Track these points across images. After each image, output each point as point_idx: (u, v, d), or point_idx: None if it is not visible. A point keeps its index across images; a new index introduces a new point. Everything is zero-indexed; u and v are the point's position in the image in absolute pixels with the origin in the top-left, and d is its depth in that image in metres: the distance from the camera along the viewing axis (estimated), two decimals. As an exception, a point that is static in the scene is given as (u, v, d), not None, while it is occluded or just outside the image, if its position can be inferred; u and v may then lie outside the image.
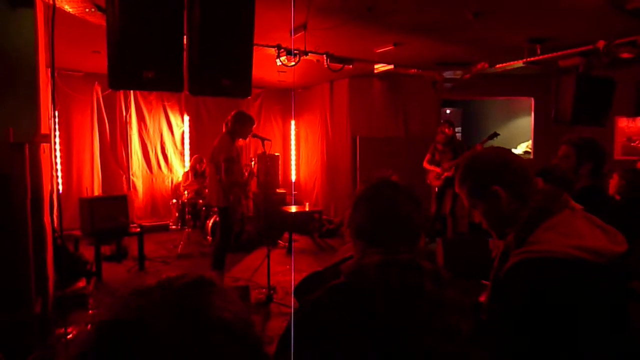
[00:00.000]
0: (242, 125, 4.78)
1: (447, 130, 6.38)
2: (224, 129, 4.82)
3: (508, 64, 5.96)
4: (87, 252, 5.50)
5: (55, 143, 7.22)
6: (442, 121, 6.85)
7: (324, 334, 1.04)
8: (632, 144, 6.66)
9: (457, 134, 7.68)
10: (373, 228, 1.21)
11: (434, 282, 1.10)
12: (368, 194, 1.27)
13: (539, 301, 1.25)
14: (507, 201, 1.39)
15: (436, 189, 6.64)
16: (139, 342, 0.55)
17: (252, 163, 7.02)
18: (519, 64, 5.67)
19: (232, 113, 4.81)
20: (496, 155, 1.46)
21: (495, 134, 6.22)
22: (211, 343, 0.56)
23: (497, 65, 6.17)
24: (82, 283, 4.82)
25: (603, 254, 1.28)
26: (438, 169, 6.43)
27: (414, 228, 1.22)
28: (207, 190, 7.46)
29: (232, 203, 4.76)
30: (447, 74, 6.86)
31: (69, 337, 3.71)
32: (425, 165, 6.58)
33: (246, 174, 5.61)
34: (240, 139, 4.97)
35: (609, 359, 1.29)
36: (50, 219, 4.46)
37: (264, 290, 4.86)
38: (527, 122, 8.43)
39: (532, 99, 7.82)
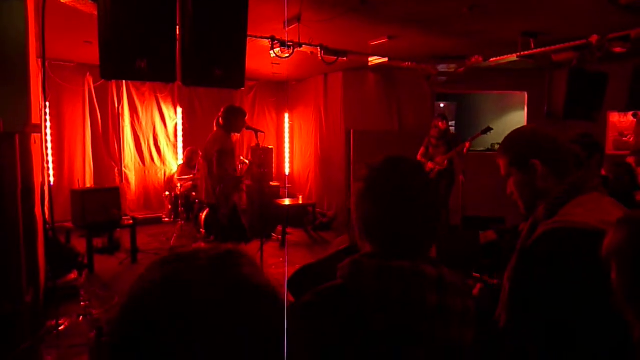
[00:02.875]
0: (235, 118, 4.76)
1: (440, 124, 6.39)
2: (215, 127, 4.78)
3: (502, 57, 5.97)
4: (79, 244, 5.47)
5: (46, 134, 7.16)
6: (436, 115, 6.86)
7: (317, 337, 1.01)
8: (624, 138, 6.71)
9: (451, 128, 7.69)
10: (382, 226, 1.08)
11: (437, 290, 1.03)
12: (381, 184, 1.09)
13: (565, 267, 1.32)
14: (543, 176, 1.47)
15: (429, 182, 6.64)
16: (186, 302, 0.57)
17: (245, 160, 6.99)
18: (512, 57, 5.68)
19: (222, 109, 4.78)
20: (540, 132, 1.54)
21: (489, 129, 6.23)
22: (254, 307, 0.60)
23: (491, 59, 6.18)
24: (73, 275, 4.80)
25: None
26: (430, 163, 6.44)
27: (430, 229, 1.10)
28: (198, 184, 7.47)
29: (217, 197, 4.73)
30: (441, 68, 6.86)
31: (60, 328, 3.70)
32: (419, 158, 6.59)
33: (241, 167, 5.57)
34: (235, 133, 4.95)
35: (622, 328, 1.32)
36: (41, 211, 4.43)
37: (256, 282, 4.85)
38: (520, 117, 8.46)
39: (526, 94, 7.85)
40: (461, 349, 1.05)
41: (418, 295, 1.02)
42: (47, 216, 4.58)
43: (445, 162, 6.29)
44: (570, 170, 1.48)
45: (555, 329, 1.31)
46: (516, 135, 1.57)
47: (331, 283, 1.08)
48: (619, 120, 6.80)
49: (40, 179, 4.49)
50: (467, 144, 6.14)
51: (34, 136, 3.89)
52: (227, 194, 4.80)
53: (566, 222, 1.37)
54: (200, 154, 7.54)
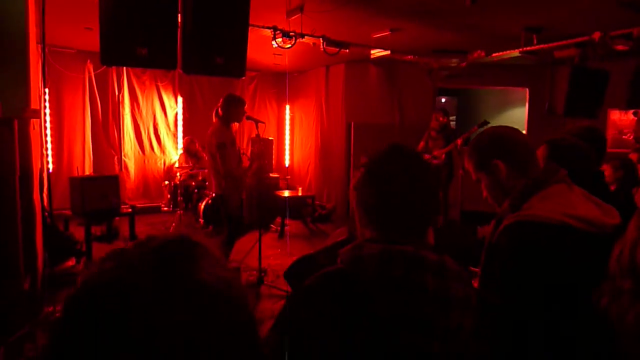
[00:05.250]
0: (234, 107, 4.67)
1: (441, 118, 6.37)
2: (214, 118, 4.70)
3: (504, 52, 5.95)
4: (78, 232, 5.47)
5: (45, 121, 7.14)
6: (437, 109, 6.84)
7: (317, 322, 1.01)
8: (624, 136, 6.70)
9: (451, 122, 7.67)
10: (384, 210, 1.10)
11: (438, 276, 1.03)
12: (382, 169, 1.12)
13: (524, 260, 1.33)
14: (507, 174, 1.48)
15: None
16: (114, 304, 0.53)
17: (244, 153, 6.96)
18: (515, 53, 5.66)
19: (221, 99, 4.70)
20: (499, 132, 1.57)
21: (486, 122, 6.19)
22: (191, 304, 0.54)
23: (494, 54, 6.16)
24: (71, 262, 4.81)
25: (594, 224, 1.35)
26: (428, 156, 6.42)
27: (429, 212, 1.12)
28: (201, 174, 7.46)
29: (226, 189, 4.67)
30: (443, 62, 6.84)
31: (57, 315, 3.70)
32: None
33: (245, 159, 5.53)
34: (236, 123, 4.89)
35: (585, 322, 1.32)
36: (40, 198, 4.43)
37: (254, 272, 4.87)
38: (521, 113, 8.45)
39: (527, 90, 7.83)
40: (461, 335, 1.05)
41: (419, 280, 1.02)
42: (45, 203, 4.58)
43: (443, 155, 6.28)
44: (533, 166, 1.49)
45: (518, 320, 1.33)
46: (477, 140, 1.59)
47: (332, 267, 1.08)
48: (620, 118, 6.79)
49: (39, 166, 4.47)
50: (459, 141, 6.09)
51: (33, 122, 3.88)
52: (237, 188, 4.74)
53: (527, 216, 1.38)
54: (197, 143, 7.55)
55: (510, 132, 1.56)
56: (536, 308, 1.31)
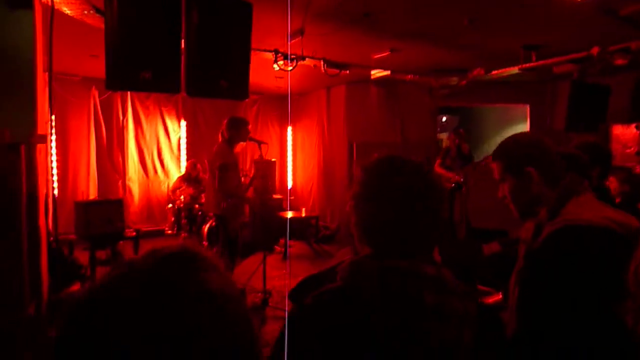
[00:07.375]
0: (237, 129, 4.73)
1: (457, 140, 6.64)
2: (220, 139, 4.78)
3: (503, 70, 6.01)
4: (82, 256, 5.46)
5: (51, 147, 7.20)
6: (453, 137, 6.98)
7: (317, 338, 1.00)
8: (627, 150, 6.69)
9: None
10: (382, 228, 1.05)
11: (435, 290, 1.02)
12: (379, 184, 1.07)
13: (576, 263, 1.35)
14: (538, 182, 1.51)
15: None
16: (110, 315, 0.54)
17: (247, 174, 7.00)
18: (514, 70, 5.72)
19: (224, 121, 4.77)
20: (535, 140, 1.59)
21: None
22: (187, 314, 0.55)
23: (493, 72, 6.22)
24: (76, 287, 4.79)
25: (625, 227, 1.40)
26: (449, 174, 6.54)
27: (432, 232, 1.07)
28: (204, 196, 7.48)
29: (225, 211, 4.68)
30: (443, 81, 6.90)
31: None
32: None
33: (243, 179, 5.56)
34: (240, 143, 4.94)
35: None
36: (45, 222, 4.44)
37: (259, 294, 4.84)
38: (523, 130, 8.47)
39: (528, 106, 7.87)
40: (459, 350, 1.04)
41: (416, 294, 1.01)
42: (50, 228, 4.59)
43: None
44: (562, 176, 1.54)
45: (572, 326, 1.34)
46: (512, 143, 1.61)
47: (331, 285, 1.07)
48: (623, 132, 6.79)
49: (45, 191, 4.50)
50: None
51: (39, 147, 3.92)
52: (236, 209, 4.76)
53: (572, 221, 1.41)
54: (200, 167, 7.59)
55: (544, 141, 1.58)
56: (589, 310, 1.33)
